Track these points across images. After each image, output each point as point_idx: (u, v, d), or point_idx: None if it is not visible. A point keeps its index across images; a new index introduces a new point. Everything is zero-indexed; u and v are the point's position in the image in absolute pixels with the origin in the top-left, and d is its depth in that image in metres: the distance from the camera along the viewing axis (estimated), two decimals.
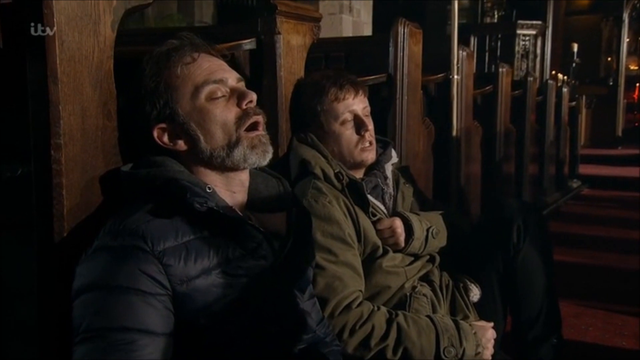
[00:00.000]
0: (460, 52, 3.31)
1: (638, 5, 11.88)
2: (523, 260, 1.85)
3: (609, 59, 12.29)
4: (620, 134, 11.16)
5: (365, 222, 1.73)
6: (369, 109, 1.84)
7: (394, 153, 1.94)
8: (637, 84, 12.76)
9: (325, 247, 1.62)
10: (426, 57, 2.69)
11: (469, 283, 1.86)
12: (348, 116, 1.78)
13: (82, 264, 1.10)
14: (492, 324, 1.78)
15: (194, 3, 7.61)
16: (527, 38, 8.93)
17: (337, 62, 2.74)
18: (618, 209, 5.85)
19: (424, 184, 2.83)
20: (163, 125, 1.25)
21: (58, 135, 1.14)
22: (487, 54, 8.86)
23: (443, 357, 1.59)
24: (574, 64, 10.18)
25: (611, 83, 11.60)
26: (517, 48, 8.83)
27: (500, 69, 4.12)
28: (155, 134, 1.25)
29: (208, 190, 1.20)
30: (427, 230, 1.82)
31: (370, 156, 1.81)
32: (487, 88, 4.06)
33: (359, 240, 1.71)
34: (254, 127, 1.28)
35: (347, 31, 6.89)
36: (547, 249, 1.91)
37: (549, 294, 1.89)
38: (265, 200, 1.37)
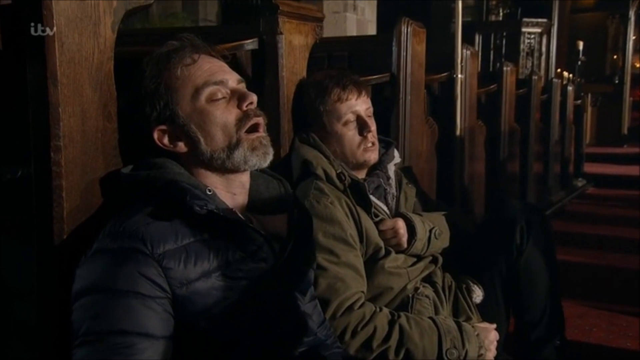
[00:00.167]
0: (464, 51, 3.29)
1: None
2: (526, 262, 1.84)
3: (615, 56, 12.23)
4: (625, 132, 11.12)
5: (367, 222, 1.72)
6: (371, 109, 1.84)
7: (396, 153, 1.93)
8: None
9: (327, 248, 1.61)
10: (431, 56, 2.68)
11: (471, 284, 1.86)
12: (351, 117, 1.77)
13: (82, 266, 1.10)
14: (494, 326, 1.77)
15: (198, 2, 7.60)
16: (532, 36, 8.92)
17: (340, 61, 2.73)
18: (623, 208, 5.82)
19: (427, 183, 2.81)
20: (163, 127, 1.24)
21: (58, 137, 1.14)
22: (492, 52, 8.85)
23: (445, 358, 1.58)
24: (579, 62, 10.13)
25: (617, 81, 11.55)
26: (522, 46, 8.83)
27: (504, 68, 4.10)
28: (155, 135, 1.24)
29: (208, 193, 1.20)
30: (430, 231, 1.81)
31: (372, 156, 1.81)
32: (492, 87, 4.05)
33: (361, 241, 1.70)
34: (254, 128, 1.27)
35: (352, 29, 6.88)
36: (550, 250, 1.90)
37: (552, 295, 1.89)
38: (266, 202, 1.37)
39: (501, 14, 10.62)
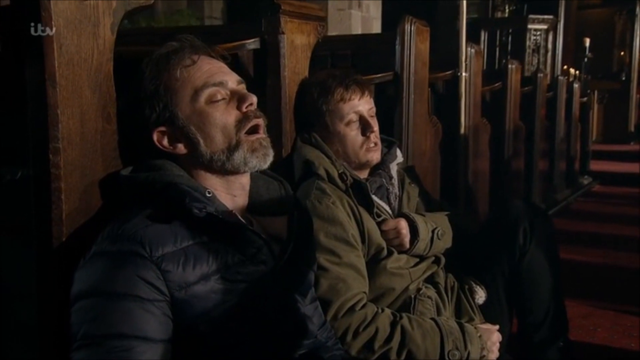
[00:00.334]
0: (469, 49, 3.28)
1: None
2: (529, 263, 1.83)
3: (622, 53, 12.14)
4: (632, 129, 11.05)
5: (369, 223, 1.72)
6: (374, 109, 1.83)
7: (399, 153, 1.92)
8: None
9: (329, 248, 1.60)
10: (437, 54, 2.67)
11: (474, 285, 1.85)
12: (353, 117, 1.77)
13: (81, 269, 1.09)
14: (497, 327, 1.77)
15: None
16: (539, 33, 8.86)
17: (343, 60, 2.72)
18: (629, 206, 5.77)
19: (431, 182, 2.81)
20: (163, 128, 1.24)
21: (56, 139, 1.14)
22: (497, 49, 8.80)
23: None
24: (585, 59, 10.07)
25: (624, 78, 11.47)
26: (528, 43, 8.77)
27: (509, 66, 4.08)
28: (154, 137, 1.24)
29: (208, 195, 1.20)
30: (433, 232, 1.80)
31: (375, 156, 1.80)
32: (496, 85, 4.03)
33: (363, 242, 1.69)
34: (254, 130, 1.26)
35: (356, 27, 6.86)
36: (553, 251, 1.89)
37: (555, 296, 1.87)
38: (266, 204, 1.36)
39: (507, 10, 10.56)
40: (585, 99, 7.10)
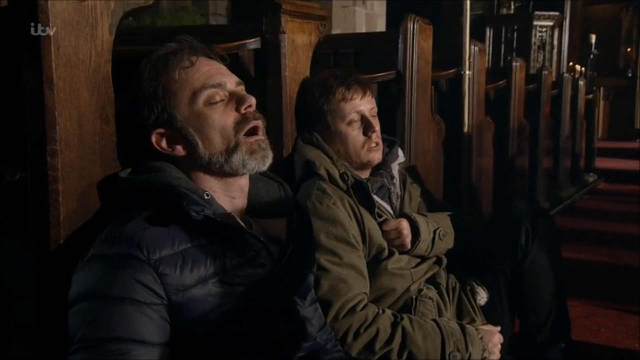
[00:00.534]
0: (472, 47, 3.26)
1: None
2: (531, 264, 1.82)
3: (629, 49, 12.07)
4: (638, 126, 10.99)
5: (370, 223, 1.71)
6: (376, 109, 1.82)
7: (400, 152, 1.92)
8: None
9: (329, 249, 1.60)
10: (440, 52, 2.66)
11: (476, 286, 1.84)
12: (355, 116, 1.76)
13: (78, 272, 1.09)
14: (499, 328, 1.77)
15: None
16: (544, 29, 8.83)
17: (346, 58, 2.71)
18: (635, 204, 5.72)
19: (434, 181, 2.80)
20: (161, 130, 1.23)
21: (54, 141, 1.13)
22: (503, 45, 8.76)
23: None
24: (591, 55, 10.02)
25: (630, 75, 11.40)
26: (533, 40, 8.74)
27: (513, 63, 4.06)
28: (153, 139, 1.23)
29: (206, 197, 1.19)
30: (434, 232, 1.80)
31: (376, 156, 1.80)
32: (500, 83, 4.01)
33: (364, 242, 1.69)
34: (253, 131, 1.26)
35: (360, 23, 6.85)
36: (556, 252, 1.88)
37: (557, 297, 1.87)
38: (266, 205, 1.36)
39: (512, 7, 10.49)
40: (590, 96, 7.06)
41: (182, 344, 1.11)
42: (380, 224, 1.74)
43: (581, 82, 6.22)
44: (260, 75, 1.82)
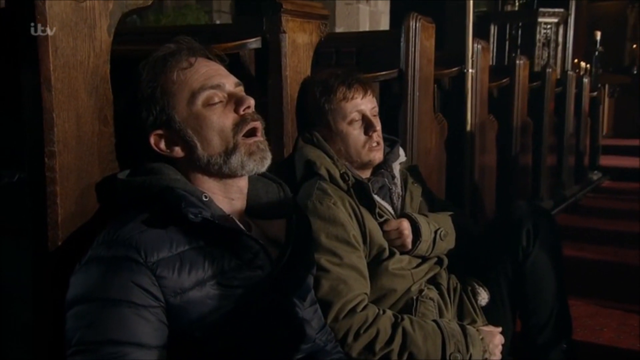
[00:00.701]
0: (476, 45, 3.25)
1: None
2: (533, 265, 1.81)
3: (634, 46, 12.01)
4: None
5: (371, 223, 1.71)
6: (377, 109, 1.82)
7: (401, 152, 1.91)
8: None
9: (330, 249, 1.60)
10: (445, 49, 2.65)
11: (477, 287, 1.84)
12: (356, 116, 1.76)
13: (76, 274, 1.09)
14: (500, 329, 1.76)
15: None
16: (549, 26, 8.80)
17: (348, 57, 2.70)
18: None
19: (436, 180, 2.79)
20: (160, 131, 1.23)
21: (52, 143, 1.13)
22: (507, 42, 8.73)
23: None
24: (597, 52, 9.98)
25: (635, 72, 11.36)
26: (538, 36, 8.72)
27: (517, 61, 4.05)
28: (152, 140, 1.23)
29: (204, 199, 1.18)
30: (435, 232, 1.79)
31: (377, 156, 1.79)
32: (504, 81, 3.99)
33: (364, 242, 1.69)
34: (252, 133, 1.25)
35: (364, 21, 6.83)
36: (557, 253, 1.87)
37: (559, 298, 1.86)
38: (265, 207, 1.35)
39: (517, 4, 10.46)
40: (595, 93, 7.03)
41: (180, 347, 1.10)
42: (381, 224, 1.74)
43: (585, 80, 6.20)
44: (261, 75, 1.82)
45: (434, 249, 1.79)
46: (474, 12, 3.40)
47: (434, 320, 1.65)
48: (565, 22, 9.03)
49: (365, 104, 1.77)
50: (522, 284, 1.84)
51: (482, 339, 1.67)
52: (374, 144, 1.77)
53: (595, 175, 6.94)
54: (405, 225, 1.75)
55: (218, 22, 7.91)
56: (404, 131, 2.46)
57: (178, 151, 1.24)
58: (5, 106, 1.30)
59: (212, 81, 1.23)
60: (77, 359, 1.02)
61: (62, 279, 1.12)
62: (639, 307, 2.85)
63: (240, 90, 1.27)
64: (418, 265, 1.79)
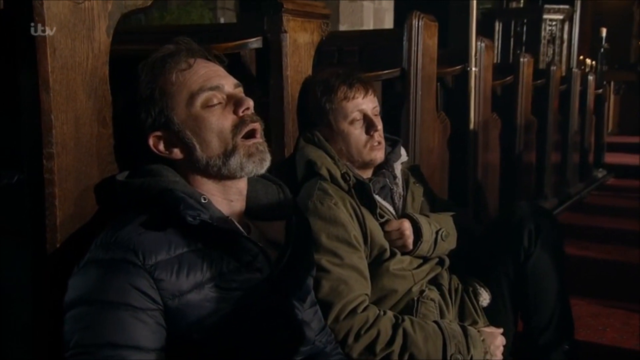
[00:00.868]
0: (479, 43, 3.23)
1: None
2: (534, 265, 1.81)
3: None
4: None
5: (372, 223, 1.70)
6: (378, 108, 1.81)
7: (403, 151, 1.90)
8: None
9: (330, 249, 1.59)
10: (449, 47, 2.64)
11: (478, 287, 1.83)
12: (357, 115, 1.75)
13: (74, 276, 1.09)
14: (501, 330, 1.76)
15: None
16: (554, 23, 8.77)
17: (351, 56, 2.70)
18: None
19: (439, 179, 2.79)
20: (158, 133, 1.22)
21: (50, 145, 1.13)
22: (512, 39, 8.70)
23: None
24: (602, 49, 9.93)
25: None
26: (543, 33, 8.68)
27: (521, 59, 4.03)
28: (150, 142, 1.22)
29: (203, 201, 1.18)
30: (437, 233, 1.79)
31: (379, 155, 1.78)
32: (507, 79, 3.98)
33: (365, 243, 1.68)
34: (251, 134, 1.24)
35: (368, 18, 6.82)
36: (559, 253, 1.86)
37: (560, 298, 1.85)
38: (264, 208, 1.35)
39: (522, 0, 10.43)
40: (600, 90, 7.00)
41: (178, 350, 1.10)
42: (382, 225, 1.73)
43: (590, 77, 6.17)
44: (262, 75, 1.82)
45: (435, 249, 1.79)
46: (478, 9, 3.39)
47: (435, 321, 1.65)
48: (570, 18, 8.99)
49: (366, 103, 1.77)
50: (523, 284, 1.83)
51: (483, 340, 1.66)
52: (375, 144, 1.77)
53: (600, 173, 6.91)
54: (407, 225, 1.75)
55: (222, 19, 7.89)
56: (407, 130, 2.46)
57: (177, 153, 1.23)
58: (4, 107, 1.30)
59: (211, 82, 1.22)
60: None
61: (62, 280, 1.12)
62: None
63: (239, 91, 1.27)
64: (419, 266, 1.79)
